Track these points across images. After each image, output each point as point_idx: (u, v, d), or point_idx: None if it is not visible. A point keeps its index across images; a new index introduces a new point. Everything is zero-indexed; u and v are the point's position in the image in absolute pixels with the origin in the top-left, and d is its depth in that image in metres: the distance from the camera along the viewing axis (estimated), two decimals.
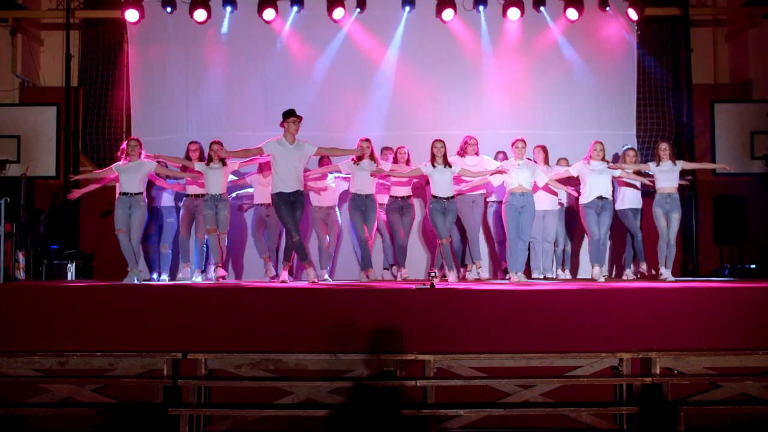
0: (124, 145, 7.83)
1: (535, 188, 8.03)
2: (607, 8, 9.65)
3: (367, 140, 8.03)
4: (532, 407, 5.67)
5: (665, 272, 7.92)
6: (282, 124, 7.36)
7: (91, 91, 10.21)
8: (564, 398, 5.73)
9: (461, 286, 6.81)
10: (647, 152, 9.50)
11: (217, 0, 9.60)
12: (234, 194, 8.55)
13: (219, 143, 7.90)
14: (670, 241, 7.96)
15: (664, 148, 8.03)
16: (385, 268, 8.79)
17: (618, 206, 8.29)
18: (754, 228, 9.76)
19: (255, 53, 9.76)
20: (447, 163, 7.81)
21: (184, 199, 8.37)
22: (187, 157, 8.17)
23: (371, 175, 8.02)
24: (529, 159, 8.10)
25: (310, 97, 9.47)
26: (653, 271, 8.35)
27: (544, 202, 8.36)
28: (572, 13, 9.55)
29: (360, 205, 8.03)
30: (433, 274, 6.55)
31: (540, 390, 5.76)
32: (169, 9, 9.59)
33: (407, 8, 9.60)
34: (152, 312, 6.07)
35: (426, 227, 8.91)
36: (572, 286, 6.74)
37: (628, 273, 8.61)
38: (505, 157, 8.47)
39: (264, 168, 8.24)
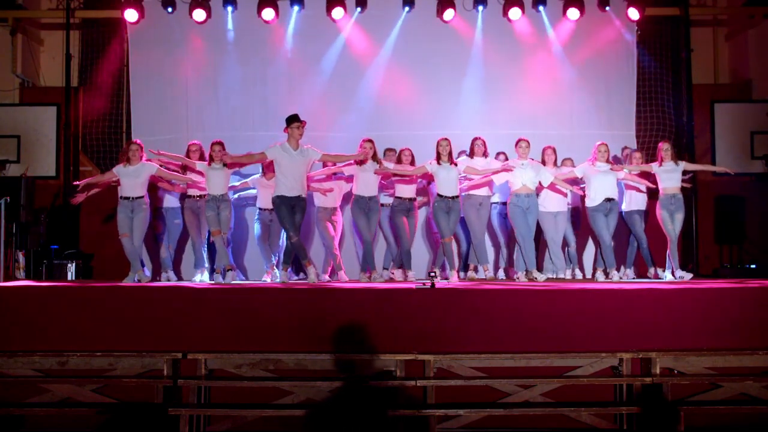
0: (125, 147, 7.80)
1: (540, 188, 8.00)
2: (607, 8, 9.63)
3: (370, 140, 8.00)
4: (532, 407, 5.68)
5: (679, 272, 7.89)
6: (286, 130, 7.34)
7: (91, 91, 10.20)
8: (564, 398, 5.74)
9: (461, 286, 6.80)
10: (647, 152, 9.47)
11: (217, 0, 9.60)
12: (236, 195, 8.51)
13: (220, 143, 7.82)
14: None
15: (666, 148, 8.00)
16: (384, 268, 8.77)
17: (625, 208, 8.27)
18: (754, 228, 9.76)
19: (255, 53, 9.74)
20: (452, 162, 7.80)
21: (186, 200, 8.33)
22: (187, 157, 8.14)
23: (375, 173, 7.97)
24: (533, 159, 8.08)
25: (311, 97, 9.44)
26: (658, 273, 8.35)
27: (555, 203, 8.19)
28: (572, 13, 9.53)
29: (363, 206, 8.00)
30: (433, 274, 6.55)
31: (540, 390, 5.76)
32: (169, 9, 9.57)
33: (407, 8, 9.58)
34: (152, 312, 6.08)
35: (431, 227, 8.88)
36: (572, 286, 6.74)
37: (629, 273, 8.57)
38: (506, 158, 8.45)
39: (267, 170, 8.14)
